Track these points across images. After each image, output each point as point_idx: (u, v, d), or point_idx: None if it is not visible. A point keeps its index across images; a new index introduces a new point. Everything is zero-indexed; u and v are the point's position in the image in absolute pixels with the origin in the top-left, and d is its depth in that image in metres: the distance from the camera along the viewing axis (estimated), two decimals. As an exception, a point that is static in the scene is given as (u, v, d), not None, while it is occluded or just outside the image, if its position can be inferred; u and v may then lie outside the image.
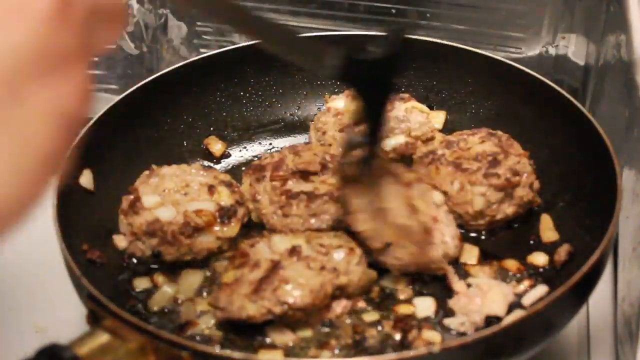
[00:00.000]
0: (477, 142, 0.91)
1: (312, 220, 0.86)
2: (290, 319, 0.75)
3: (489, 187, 0.86)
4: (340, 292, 0.78)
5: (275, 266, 0.77)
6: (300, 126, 1.06)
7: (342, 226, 0.86)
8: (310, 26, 1.18)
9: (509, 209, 0.87)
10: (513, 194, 0.86)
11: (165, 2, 1.21)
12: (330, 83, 1.07)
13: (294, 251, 0.78)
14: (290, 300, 0.74)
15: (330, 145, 0.96)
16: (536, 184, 0.89)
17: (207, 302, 0.79)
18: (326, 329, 0.77)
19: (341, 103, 1.00)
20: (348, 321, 0.78)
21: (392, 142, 0.95)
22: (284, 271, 0.76)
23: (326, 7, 1.17)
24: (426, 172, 0.89)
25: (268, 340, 0.76)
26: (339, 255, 0.79)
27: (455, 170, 0.88)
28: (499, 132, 0.93)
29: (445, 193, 0.86)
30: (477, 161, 0.88)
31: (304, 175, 0.90)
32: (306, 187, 0.89)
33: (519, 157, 0.89)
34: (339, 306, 0.78)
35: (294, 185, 0.89)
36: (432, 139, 0.97)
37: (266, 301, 0.74)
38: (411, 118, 0.98)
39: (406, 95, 1.02)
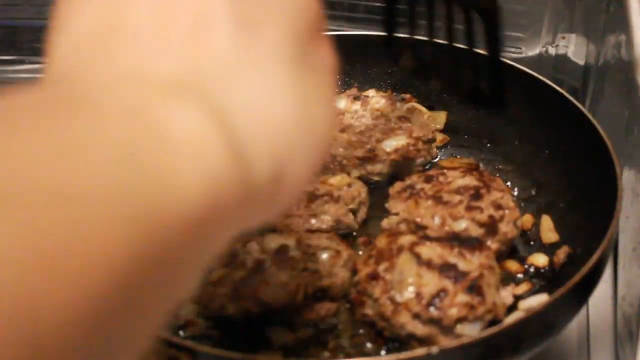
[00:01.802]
0: (458, 176, 0.88)
1: (313, 221, 0.86)
2: (273, 321, 0.75)
3: (472, 221, 0.82)
4: (322, 293, 0.78)
5: (258, 266, 0.77)
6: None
7: (342, 227, 0.86)
8: (310, 26, 1.18)
9: (492, 246, 0.81)
10: (496, 229, 0.83)
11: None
12: (330, 83, 1.07)
13: (280, 251, 0.78)
14: (268, 300, 0.74)
15: (330, 145, 0.96)
16: (520, 221, 0.85)
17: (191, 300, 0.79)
18: (326, 330, 0.77)
19: (342, 103, 1.00)
20: (347, 322, 0.78)
21: (394, 143, 0.95)
22: (265, 271, 0.76)
23: (326, 7, 1.17)
24: (405, 207, 0.86)
25: (268, 340, 0.76)
26: (323, 257, 0.79)
27: (436, 204, 0.84)
28: (481, 167, 0.91)
29: (425, 228, 0.83)
30: (458, 194, 0.85)
31: None
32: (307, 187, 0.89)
33: (502, 193, 0.86)
34: (323, 308, 0.78)
35: None
36: (433, 140, 0.97)
37: (245, 300, 0.75)
38: (413, 119, 0.98)
39: (407, 96, 1.02)
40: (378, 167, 0.94)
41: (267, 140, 0.37)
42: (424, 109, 1.00)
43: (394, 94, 1.03)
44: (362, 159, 0.94)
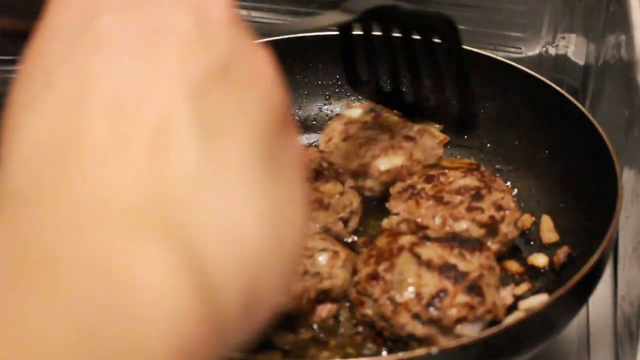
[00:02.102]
0: (459, 176, 0.88)
1: None
2: (275, 323, 0.75)
3: (472, 222, 0.82)
4: (324, 296, 0.77)
5: None
6: (300, 126, 1.06)
7: (330, 235, 0.85)
8: (310, 26, 1.17)
9: (493, 247, 0.82)
10: (497, 230, 0.83)
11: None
12: (331, 83, 1.07)
13: None
14: None
15: (331, 152, 0.95)
16: (520, 222, 0.85)
17: None
18: (325, 330, 0.77)
19: (356, 112, 0.99)
20: (347, 323, 0.78)
21: (389, 162, 0.92)
22: None
23: (326, 7, 1.17)
24: (405, 207, 0.86)
25: (268, 340, 0.76)
26: (322, 259, 0.79)
27: (437, 204, 0.84)
28: (482, 168, 0.91)
29: (426, 227, 0.82)
30: (459, 195, 0.85)
31: None
32: None
33: (502, 193, 0.85)
34: (324, 310, 0.78)
35: None
36: (435, 165, 0.94)
37: None
38: (419, 140, 0.95)
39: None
40: (369, 183, 0.92)
41: (236, 267, 0.34)
42: (436, 132, 0.98)
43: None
44: (355, 172, 0.93)
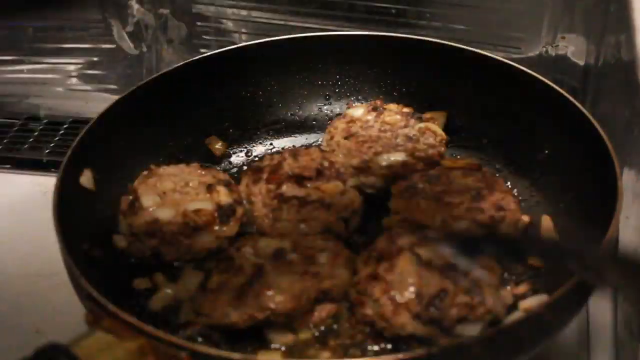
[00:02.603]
0: (461, 176, 0.88)
1: (302, 226, 0.85)
2: (274, 324, 0.75)
3: (472, 222, 0.82)
4: (324, 296, 0.77)
5: (258, 271, 0.77)
6: (300, 126, 1.06)
7: (332, 234, 0.85)
8: (310, 26, 1.18)
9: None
10: (497, 230, 0.83)
11: (165, 2, 1.21)
12: (331, 83, 1.07)
13: (278, 255, 0.78)
14: (272, 306, 0.74)
15: (333, 151, 0.95)
16: (520, 222, 0.86)
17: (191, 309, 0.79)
18: (326, 330, 0.77)
19: (359, 112, 1.00)
20: (347, 322, 0.78)
21: (392, 158, 0.93)
22: (266, 276, 0.76)
23: (326, 7, 1.17)
24: (406, 206, 0.86)
25: (267, 340, 0.76)
26: (323, 259, 0.79)
27: (437, 205, 0.84)
28: (484, 168, 0.91)
29: (426, 227, 0.82)
30: (460, 195, 0.85)
31: (299, 179, 0.89)
32: (299, 192, 0.88)
33: (503, 194, 0.86)
34: (324, 310, 0.78)
35: (287, 189, 0.88)
36: (436, 163, 0.95)
37: (248, 307, 0.74)
38: (421, 139, 0.96)
39: (427, 115, 1.01)
40: (371, 180, 0.93)
41: None
42: (438, 130, 0.98)
43: (415, 111, 1.02)
44: (356, 169, 0.93)
